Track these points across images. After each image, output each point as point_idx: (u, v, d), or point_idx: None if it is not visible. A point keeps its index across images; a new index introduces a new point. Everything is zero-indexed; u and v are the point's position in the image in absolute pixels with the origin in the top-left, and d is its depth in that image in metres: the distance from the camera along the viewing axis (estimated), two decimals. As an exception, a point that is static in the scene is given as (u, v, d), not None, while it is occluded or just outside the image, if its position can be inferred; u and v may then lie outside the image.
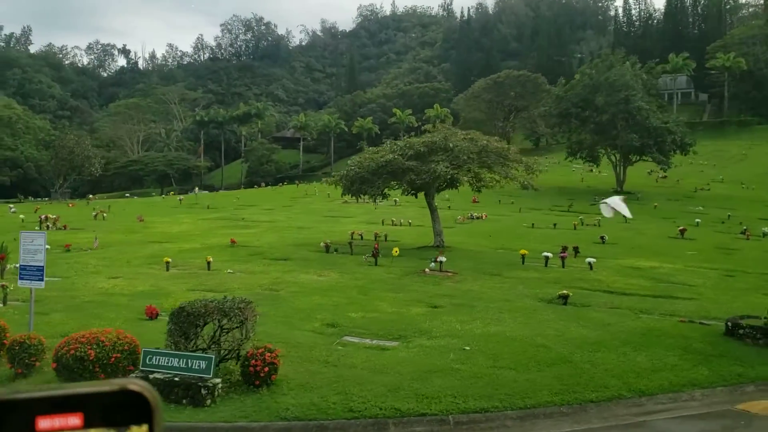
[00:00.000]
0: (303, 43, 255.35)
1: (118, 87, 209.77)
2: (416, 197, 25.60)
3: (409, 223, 33.53)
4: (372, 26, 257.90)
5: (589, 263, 20.13)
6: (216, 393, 8.43)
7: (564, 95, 51.37)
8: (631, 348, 11.56)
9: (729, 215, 40.97)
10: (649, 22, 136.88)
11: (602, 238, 28.40)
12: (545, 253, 20.62)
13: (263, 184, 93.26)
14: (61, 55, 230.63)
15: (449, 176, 21.50)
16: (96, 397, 0.37)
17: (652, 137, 48.29)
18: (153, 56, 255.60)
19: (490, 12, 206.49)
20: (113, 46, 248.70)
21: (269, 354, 8.79)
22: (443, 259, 18.53)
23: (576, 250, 23.66)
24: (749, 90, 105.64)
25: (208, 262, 18.23)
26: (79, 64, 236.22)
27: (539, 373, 10.01)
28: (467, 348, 10.97)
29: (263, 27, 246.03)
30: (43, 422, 0.35)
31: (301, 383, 9.04)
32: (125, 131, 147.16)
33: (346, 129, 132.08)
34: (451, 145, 21.62)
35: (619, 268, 20.84)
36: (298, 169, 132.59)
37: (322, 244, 22.15)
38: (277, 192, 57.48)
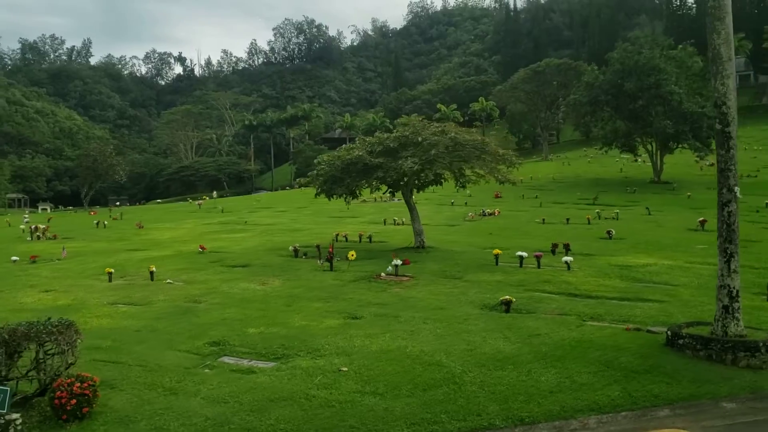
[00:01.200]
0: (354, 44, 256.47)
1: (176, 94, 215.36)
2: (393, 195, 24.36)
3: (403, 222, 32.29)
4: (423, 23, 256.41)
5: (566, 263, 18.49)
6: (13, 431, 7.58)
7: (595, 82, 48.88)
8: (543, 364, 10.16)
9: (766, 203, 38.02)
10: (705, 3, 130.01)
11: (609, 233, 26.48)
12: (519, 253, 19.07)
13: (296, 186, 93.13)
14: (120, 66, 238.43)
15: (417, 172, 20.15)
16: None
17: (687, 123, 45.38)
18: (209, 63, 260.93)
19: (542, 0, 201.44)
20: (170, 55, 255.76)
21: (79, 385, 7.88)
22: (398, 262, 17.30)
23: (567, 247, 21.96)
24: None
25: (152, 272, 17.56)
26: (138, 74, 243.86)
27: (408, 398, 8.76)
28: (344, 369, 9.80)
29: (315, 29, 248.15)
30: None
31: (122, 417, 8.10)
32: (179, 138, 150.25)
33: (392, 127, 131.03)
34: (420, 139, 20.32)
35: (604, 267, 19.12)
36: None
37: (291, 248, 21.21)
38: (303, 193, 56.93)
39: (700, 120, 45.49)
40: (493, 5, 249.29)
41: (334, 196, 21.78)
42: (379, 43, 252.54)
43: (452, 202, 41.19)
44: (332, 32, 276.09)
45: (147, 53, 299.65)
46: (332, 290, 15.59)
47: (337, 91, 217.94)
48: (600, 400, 9.00)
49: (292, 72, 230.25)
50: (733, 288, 10.79)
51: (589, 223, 31.12)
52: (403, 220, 32.80)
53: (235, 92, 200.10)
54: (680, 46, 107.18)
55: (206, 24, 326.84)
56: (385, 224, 32.63)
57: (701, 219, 29.40)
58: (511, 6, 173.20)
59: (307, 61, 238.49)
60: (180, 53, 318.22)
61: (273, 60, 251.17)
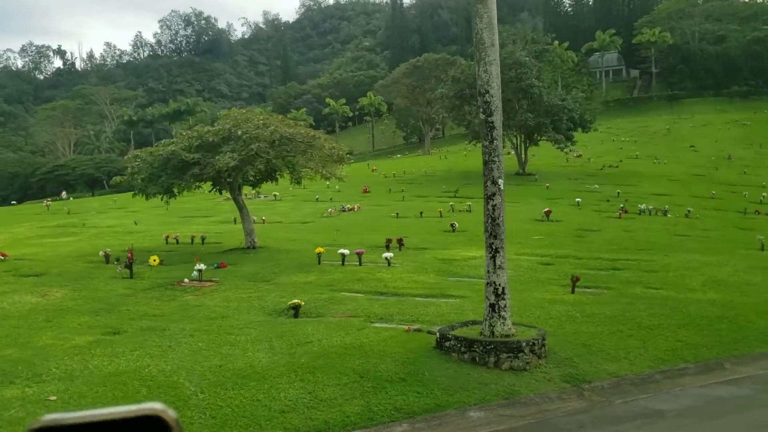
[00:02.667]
0: (246, 36, 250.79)
1: (56, 89, 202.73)
2: (221, 194, 23.05)
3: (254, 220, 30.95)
4: (316, 16, 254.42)
5: (386, 259, 17.83)
6: None
7: (461, 76, 49.18)
8: (292, 378, 9.23)
9: (618, 192, 39.39)
10: (581, 0, 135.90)
11: (452, 225, 26.25)
12: (341, 251, 18.25)
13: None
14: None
15: (237, 168, 18.91)
16: (128, 422, 0.43)
17: (548, 116, 46.48)
18: (91, 56, 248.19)
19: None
20: (48, 48, 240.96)
21: None
22: (202, 267, 16.02)
23: (400, 242, 21.41)
24: (676, 64, 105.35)
25: None
26: (13, 68, 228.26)
27: None
28: (52, 398, 8.49)
29: (203, 21, 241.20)
30: None
31: None
32: (57, 135, 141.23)
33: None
34: (240, 132, 19.10)
35: (427, 262, 18.63)
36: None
37: (101, 253, 19.45)
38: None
39: (560, 113, 46.66)
40: (385, 0, 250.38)
41: (156, 196, 20.17)
42: (271, 36, 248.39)
43: (317, 198, 40.20)
44: (222, 25, 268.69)
45: (23, 46, 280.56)
46: (114, 301, 14.12)
47: (228, 85, 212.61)
48: (334, 418, 8.14)
49: (180, 65, 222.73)
50: (499, 285, 10.26)
51: (441, 216, 30.91)
52: (263, 218, 31.46)
53: (118, 86, 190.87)
54: (556, 42, 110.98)
55: (88, 15, 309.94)
56: (235, 223, 31.09)
57: (546, 210, 29.78)
58: (399, 1, 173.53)
59: (196, 54, 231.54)
60: (59, 46, 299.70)
61: (160, 53, 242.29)
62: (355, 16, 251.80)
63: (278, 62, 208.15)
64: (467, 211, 32.88)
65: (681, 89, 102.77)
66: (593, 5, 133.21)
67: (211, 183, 20.92)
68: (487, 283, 10.39)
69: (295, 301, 12.79)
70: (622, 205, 33.20)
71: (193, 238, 23.99)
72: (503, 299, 10.22)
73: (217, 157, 18.52)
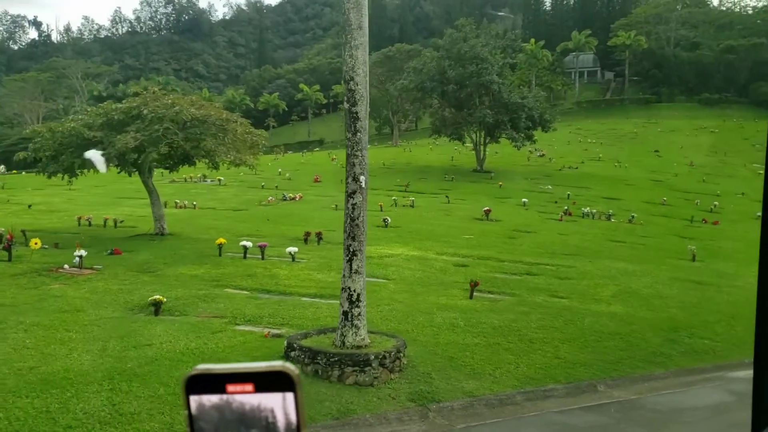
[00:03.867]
0: (227, 18, 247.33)
1: (30, 61, 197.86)
2: (130, 176, 21.88)
3: (185, 205, 29.89)
4: (299, 1, 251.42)
5: (290, 253, 16.88)
6: None
7: (423, 68, 48.23)
8: (104, 386, 8.27)
9: (569, 194, 38.80)
10: (560, 1, 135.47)
11: (385, 220, 25.35)
12: (243, 243, 17.24)
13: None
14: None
15: (138, 150, 17.77)
16: (262, 374, 0.58)
17: (508, 113, 45.71)
18: (68, 29, 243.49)
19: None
20: (24, 18, 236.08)
21: None
22: (83, 252, 14.95)
23: (319, 236, 20.46)
24: (650, 69, 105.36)
25: None
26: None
27: None
28: None
29: (184, 0, 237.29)
30: (230, 387, 0.58)
31: None
32: (26, 107, 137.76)
33: (252, 105, 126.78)
34: (145, 112, 18.00)
35: (337, 258, 17.66)
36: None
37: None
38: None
39: (519, 111, 45.92)
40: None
41: (56, 175, 18.98)
42: (253, 18, 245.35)
43: (263, 185, 39.07)
44: (203, 4, 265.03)
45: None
46: (-29, 287, 13.02)
47: (206, 66, 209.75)
48: (125, 438, 7.20)
49: (158, 43, 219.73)
50: (354, 291, 9.37)
51: (381, 210, 29.99)
52: (186, 203, 30.31)
53: (95, 61, 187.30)
54: (532, 40, 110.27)
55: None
56: (165, 207, 29.90)
57: (486, 208, 29.01)
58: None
59: (175, 32, 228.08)
60: (35, 17, 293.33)
61: (138, 30, 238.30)
62: (338, 3, 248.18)
63: (254, 45, 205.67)
64: (410, 206, 31.99)
65: (653, 93, 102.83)
66: (573, 5, 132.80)
67: (115, 165, 19.70)
68: (342, 289, 9.49)
69: (156, 297, 11.79)
70: (566, 208, 32.60)
71: (106, 220, 22.82)
72: (358, 307, 9.33)
73: (118, 137, 17.39)
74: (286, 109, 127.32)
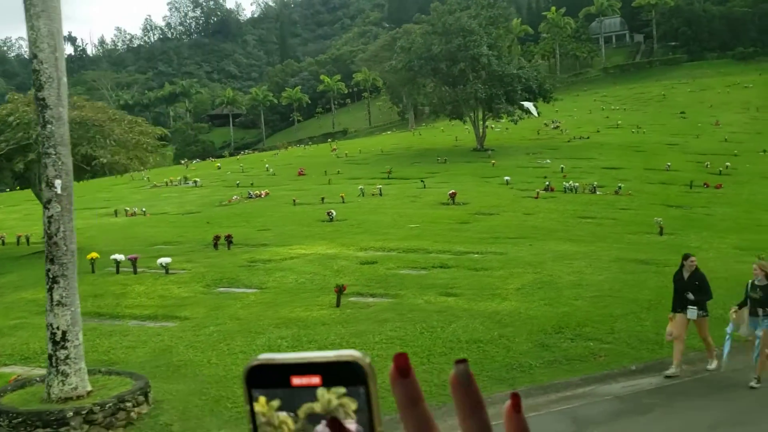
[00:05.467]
0: (255, 16, 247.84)
1: (68, 76, 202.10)
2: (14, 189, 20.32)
3: (135, 213, 28.38)
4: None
5: (162, 265, 14.98)
6: None
7: (411, 46, 45.66)
8: None
9: (562, 167, 35.90)
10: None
11: (329, 214, 23.20)
12: (115, 257, 15.42)
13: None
14: (5, 48, 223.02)
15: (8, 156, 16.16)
16: (329, 365, 0.50)
17: (502, 87, 42.79)
18: (102, 41, 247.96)
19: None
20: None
21: None
22: None
23: (229, 239, 18.53)
24: (678, 27, 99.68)
25: None
26: (26, 56, 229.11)
27: None
28: None
29: (211, 2, 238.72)
30: (296, 379, 0.51)
31: None
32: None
33: (276, 101, 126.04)
34: (11, 118, 16.38)
35: (221, 266, 15.78)
36: (230, 148, 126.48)
37: None
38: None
39: (514, 83, 42.97)
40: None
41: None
42: (280, 14, 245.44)
43: (237, 183, 37.39)
44: (230, 4, 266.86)
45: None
46: None
47: (237, 65, 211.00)
48: None
49: (190, 47, 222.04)
50: (58, 328, 7.37)
51: (343, 202, 27.92)
52: (136, 210, 28.83)
53: (129, 71, 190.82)
54: (553, 8, 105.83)
55: (97, 1, 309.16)
56: (116, 215, 28.59)
57: (452, 192, 26.58)
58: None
59: (205, 35, 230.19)
60: (70, 33, 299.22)
61: (169, 36, 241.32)
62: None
63: (290, 40, 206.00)
64: (378, 194, 29.80)
65: (684, 53, 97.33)
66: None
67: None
68: (47, 326, 7.50)
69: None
70: (548, 183, 29.87)
71: (18, 238, 21.42)
72: (65, 348, 7.34)
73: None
74: (309, 102, 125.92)
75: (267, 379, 0.52)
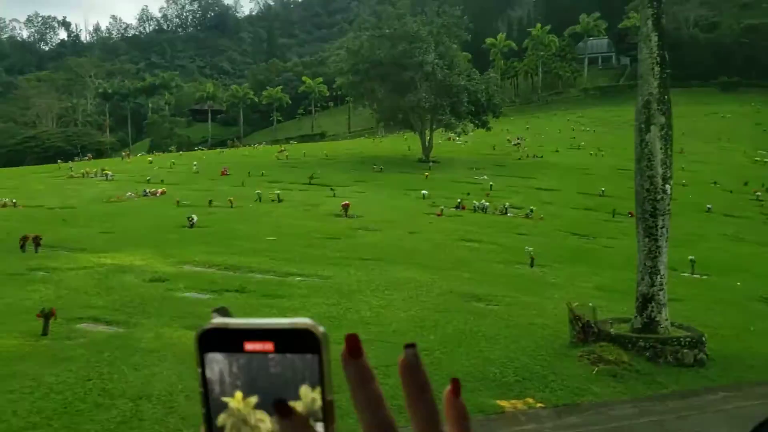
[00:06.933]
0: (254, 13, 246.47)
1: (57, 61, 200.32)
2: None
3: (14, 203, 26.22)
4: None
5: None
6: None
7: (359, 50, 43.63)
8: None
9: (491, 185, 33.92)
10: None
11: (190, 220, 21.06)
12: None
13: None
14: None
15: None
16: (283, 332, 0.49)
17: (449, 97, 40.76)
18: (97, 29, 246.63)
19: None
20: (54, 19, 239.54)
21: None
22: None
23: (37, 241, 16.34)
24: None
25: None
26: (19, 38, 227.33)
27: None
28: None
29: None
30: (249, 345, 0.50)
31: None
32: (41, 107, 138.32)
33: (257, 99, 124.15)
34: None
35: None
36: (208, 144, 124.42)
37: None
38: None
39: (460, 94, 40.94)
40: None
41: None
42: (280, 14, 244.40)
43: (149, 179, 35.22)
44: (229, 1, 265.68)
45: (29, 16, 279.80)
46: None
47: (231, 62, 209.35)
48: None
49: (185, 40, 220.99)
50: None
51: (231, 207, 25.81)
52: (7, 201, 26.64)
53: (122, 60, 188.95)
54: (538, 25, 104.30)
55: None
56: (5, 207, 26.41)
57: (344, 203, 24.45)
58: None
59: (201, 29, 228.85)
60: (65, 17, 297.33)
61: (165, 28, 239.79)
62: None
63: (287, 40, 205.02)
64: (276, 200, 27.66)
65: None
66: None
67: None
68: None
69: None
70: (459, 201, 27.83)
71: None
72: None
73: None
74: (290, 102, 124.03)
75: (220, 343, 0.51)
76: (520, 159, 47.17)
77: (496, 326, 11.27)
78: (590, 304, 10.78)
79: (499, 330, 11.04)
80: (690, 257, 18.06)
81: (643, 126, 10.79)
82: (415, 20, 42.27)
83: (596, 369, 9.56)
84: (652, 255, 10.68)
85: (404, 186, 33.77)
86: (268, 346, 0.49)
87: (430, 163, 41.80)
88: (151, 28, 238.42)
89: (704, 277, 17.63)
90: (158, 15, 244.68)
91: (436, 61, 40.23)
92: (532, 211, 26.44)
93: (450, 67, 43.18)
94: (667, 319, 10.60)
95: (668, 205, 10.83)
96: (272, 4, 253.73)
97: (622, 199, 32.81)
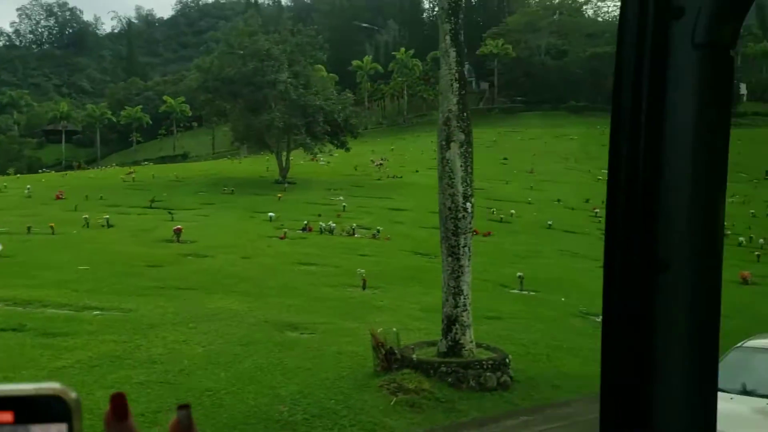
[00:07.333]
0: (115, 31, 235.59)
1: None
2: None
3: None
4: (193, 14, 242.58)
5: None
6: None
7: (210, 67, 42.12)
8: None
9: (344, 206, 33.51)
10: (435, 11, 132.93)
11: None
12: None
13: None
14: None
15: None
16: (25, 399, 0.43)
17: (304, 117, 40.01)
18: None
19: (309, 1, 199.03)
20: None
21: None
22: None
23: None
24: (519, 77, 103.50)
25: None
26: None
27: None
28: None
29: (67, 13, 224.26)
30: None
31: None
32: None
33: (115, 119, 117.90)
34: None
35: None
36: (61, 166, 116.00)
37: None
38: None
39: (316, 114, 40.35)
40: (266, 2, 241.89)
41: None
42: (143, 31, 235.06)
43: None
44: (89, 17, 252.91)
45: None
46: None
47: (91, 81, 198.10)
48: None
49: (39, 57, 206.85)
50: None
51: (53, 233, 23.50)
52: None
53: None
54: (402, 49, 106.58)
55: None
56: None
57: (176, 227, 22.95)
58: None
59: (59, 46, 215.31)
60: None
61: (18, 44, 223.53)
62: (234, 16, 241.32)
63: (150, 59, 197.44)
64: (106, 226, 25.56)
65: (522, 102, 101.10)
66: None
67: None
68: None
69: None
70: (306, 223, 27.06)
71: None
72: None
73: None
74: (151, 122, 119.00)
75: None
76: (379, 179, 47.24)
77: (301, 358, 10.48)
78: (393, 329, 10.24)
79: (303, 362, 10.25)
80: (518, 274, 18.19)
81: (443, 143, 10.46)
82: (267, 38, 41.31)
83: (394, 400, 8.97)
84: (455, 275, 10.29)
85: (253, 208, 32.51)
86: (7, 416, 0.42)
87: (286, 184, 40.79)
88: (1, 44, 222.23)
89: (532, 293, 17.81)
90: (9, 30, 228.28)
91: (290, 80, 39.43)
92: (378, 231, 26.10)
93: (306, 86, 42.52)
94: (472, 341, 10.24)
95: (470, 223, 10.50)
96: (136, 22, 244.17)
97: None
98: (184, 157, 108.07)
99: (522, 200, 40.97)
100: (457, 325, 10.12)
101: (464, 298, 10.28)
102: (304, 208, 33.32)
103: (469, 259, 10.51)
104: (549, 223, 32.44)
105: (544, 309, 15.61)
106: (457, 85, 10.42)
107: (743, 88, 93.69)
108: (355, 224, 27.21)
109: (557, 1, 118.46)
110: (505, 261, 22.74)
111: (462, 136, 10.39)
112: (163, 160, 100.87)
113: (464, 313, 10.21)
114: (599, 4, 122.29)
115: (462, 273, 10.35)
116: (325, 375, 9.67)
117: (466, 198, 10.46)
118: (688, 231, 0.87)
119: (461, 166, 10.42)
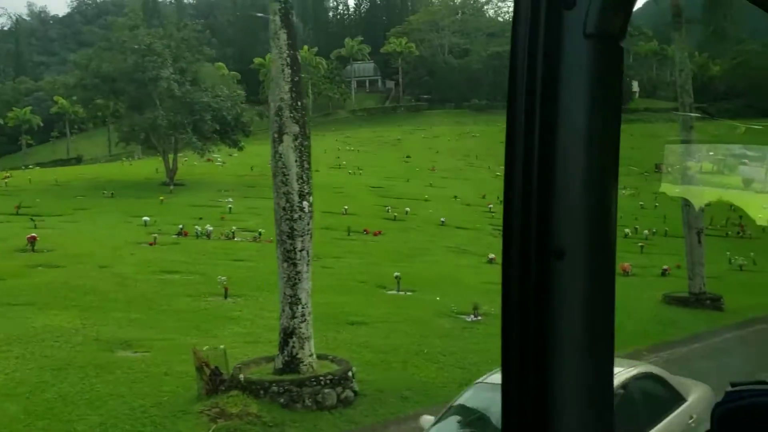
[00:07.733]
0: (5, 29, 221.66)
1: None
2: None
3: None
4: (90, 11, 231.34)
5: None
6: None
7: (89, 64, 39.44)
8: None
9: (230, 208, 32.03)
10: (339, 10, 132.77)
11: None
12: None
13: None
14: None
15: None
16: None
17: (190, 115, 38.04)
18: None
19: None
20: None
21: None
22: None
23: None
24: (422, 76, 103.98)
25: None
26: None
27: None
28: None
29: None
30: None
31: None
32: None
33: (1, 122, 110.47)
34: None
35: None
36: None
37: None
38: None
39: (203, 112, 38.45)
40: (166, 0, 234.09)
41: None
42: (36, 29, 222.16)
43: None
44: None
45: None
46: None
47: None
48: None
49: None
50: None
51: None
52: None
53: None
54: (305, 47, 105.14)
55: None
56: None
57: (30, 236, 20.86)
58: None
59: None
60: None
61: None
62: (131, 12, 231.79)
63: (45, 58, 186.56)
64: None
65: (426, 101, 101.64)
66: (353, 15, 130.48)
67: None
68: None
69: None
70: (181, 227, 25.42)
71: None
72: None
73: None
74: (42, 124, 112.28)
75: None
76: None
77: (119, 382, 9.15)
78: (221, 347, 9.06)
79: (118, 387, 8.93)
80: (396, 273, 17.37)
81: (276, 136, 9.38)
82: (149, 32, 39.06)
83: (213, 427, 7.81)
84: (292, 282, 9.23)
85: (131, 213, 30.44)
86: None
87: (172, 186, 38.69)
88: None
89: (409, 293, 17.02)
90: None
91: (174, 76, 37.36)
92: (260, 234, 24.75)
93: (194, 83, 40.55)
94: (311, 355, 9.21)
95: (308, 224, 9.46)
96: (28, 19, 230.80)
97: (363, 217, 32.63)
98: (78, 161, 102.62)
99: (420, 198, 40.59)
100: (294, 338, 9.06)
101: (302, 308, 9.23)
102: (187, 211, 31.55)
103: (308, 264, 9.47)
104: (442, 219, 32.03)
105: (415, 310, 14.80)
106: (290, 70, 9.32)
107: (635, 86, 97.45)
108: (237, 227, 25.77)
109: (459, 1, 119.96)
110: (390, 260, 21.94)
111: (296, 128, 9.33)
112: (56, 163, 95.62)
113: (303, 324, 9.16)
114: (499, 4, 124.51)
115: (300, 280, 9.30)
116: (140, 402, 8.41)
117: (302, 197, 9.42)
118: (583, 219, 0.89)
119: (296, 161, 9.38)
